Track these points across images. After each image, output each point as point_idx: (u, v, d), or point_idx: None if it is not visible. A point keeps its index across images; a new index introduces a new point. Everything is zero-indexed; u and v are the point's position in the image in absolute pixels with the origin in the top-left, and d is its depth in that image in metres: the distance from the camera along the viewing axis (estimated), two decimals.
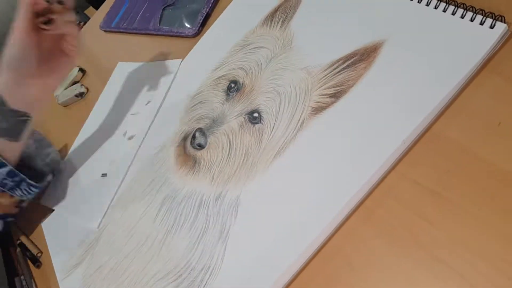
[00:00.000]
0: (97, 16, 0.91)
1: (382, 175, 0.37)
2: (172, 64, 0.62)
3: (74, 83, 0.79)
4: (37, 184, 0.55)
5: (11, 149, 0.52)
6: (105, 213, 0.53)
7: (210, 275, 0.40)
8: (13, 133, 0.51)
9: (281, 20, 0.52)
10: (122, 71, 0.70)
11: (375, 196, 0.37)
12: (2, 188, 0.51)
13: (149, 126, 0.57)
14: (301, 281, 0.37)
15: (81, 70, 0.79)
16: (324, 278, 0.36)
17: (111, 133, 0.62)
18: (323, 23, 0.48)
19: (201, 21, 0.63)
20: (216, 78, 0.53)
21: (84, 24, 0.97)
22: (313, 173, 0.39)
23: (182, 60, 0.61)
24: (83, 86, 0.76)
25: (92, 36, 0.86)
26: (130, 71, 0.69)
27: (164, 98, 0.59)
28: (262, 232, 0.39)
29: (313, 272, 0.36)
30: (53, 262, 0.55)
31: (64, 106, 0.77)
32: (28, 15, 0.48)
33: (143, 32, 0.72)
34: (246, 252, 0.39)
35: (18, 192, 0.53)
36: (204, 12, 0.64)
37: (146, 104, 0.60)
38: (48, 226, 0.60)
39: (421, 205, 0.34)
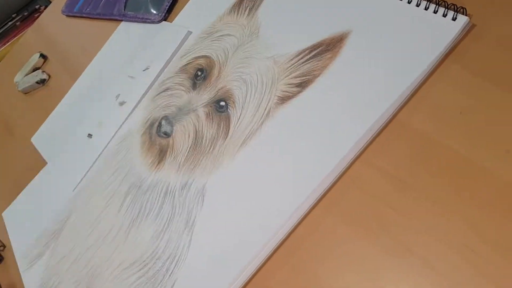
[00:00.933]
0: (59, 0, 0.88)
1: (347, 164, 0.37)
2: (179, 31, 0.58)
3: (35, 69, 0.76)
4: None
5: None
6: (83, 177, 0.53)
7: (176, 264, 0.40)
8: None
9: (248, 8, 0.51)
10: (125, 30, 0.68)
11: (340, 186, 0.37)
12: None
13: (142, 95, 0.55)
14: (267, 271, 0.37)
15: (42, 56, 0.77)
16: (289, 268, 0.36)
17: (103, 93, 0.60)
18: (290, 12, 0.48)
19: (167, 7, 0.62)
20: (183, 66, 0.52)
21: (45, 8, 0.94)
22: (278, 163, 0.39)
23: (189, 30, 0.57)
24: (44, 73, 0.73)
25: (54, 21, 0.83)
26: (133, 31, 0.66)
27: (162, 69, 0.56)
28: (227, 222, 0.39)
29: (279, 262, 0.37)
30: (14, 253, 0.53)
31: (25, 93, 0.75)
32: None
33: (107, 17, 0.70)
34: (212, 241, 0.39)
35: None
36: None
37: (144, 70, 0.58)
38: (9, 215, 0.58)
39: (386, 193, 0.35)
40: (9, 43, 1.13)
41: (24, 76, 0.75)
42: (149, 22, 0.63)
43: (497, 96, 0.34)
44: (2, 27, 1.17)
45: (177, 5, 0.63)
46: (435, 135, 0.35)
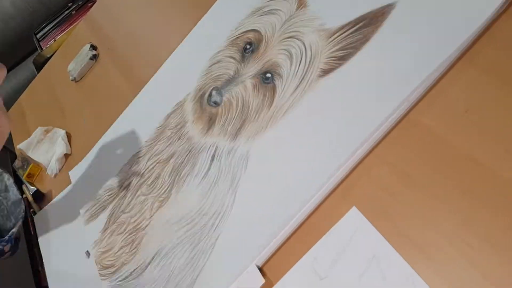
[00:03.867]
0: None
1: (370, 146, 0.39)
2: None
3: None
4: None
5: None
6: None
7: (220, 220, 0.44)
8: None
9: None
10: None
11: (354, 175, 0.40)
12: None
13: None
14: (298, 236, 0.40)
15: (92, 46, 0.81)
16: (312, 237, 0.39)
17: None
18: None
19: None
20: (233, 39, 0.56)
21: None
22: (315, 133, 0.42)
23: None
24: (92, 49, 0.79)
25: (105, 12, 0.88)
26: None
27: None
28: (268, 184, 0.43)
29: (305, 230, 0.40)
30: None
31: (80, 78, 0.80)
32: None
33: None
34: (253, 201, 0.43)
35: None
36: None
37: None
38: (75, 174, 0.65)
39: (392, 184, 0.37)
40: (65, 31, 1.19)
41: (74, 64, 0.81)
42: None
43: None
44: (59, 16, 1.24)
45: None
46: (442, 133, 0.37)
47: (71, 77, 0.81)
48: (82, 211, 0.58)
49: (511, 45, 0.37)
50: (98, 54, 0.80)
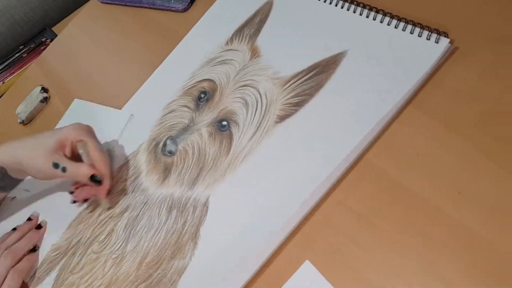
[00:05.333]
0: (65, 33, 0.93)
1: (327, 188, 0.39)
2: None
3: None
4: None
5: None
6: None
7: (179, 275, 0.42)
8: (7, 189, 0.56)
9: (248, 35, 0.55)
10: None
11: (313, 221, 0.39)
12: None
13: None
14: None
15: (44, 89, 0.78)
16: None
17: None
18: (289, 37, 0.51)
19: None
20: (187, 89, 0.56)
21: (51, 41, 0.97)
22: (273, 179, 0.42)
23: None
24: (43, 92, 0.76)
25: (58, 55, 0.87)
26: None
27: None
28: (228, 234, 0.41)
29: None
30: None
31: (28, 121, 0.77)
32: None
33: (137, 5, 0.76)
34: (213, 252, 0.41)
35: None
36: None
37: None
38: None
39: (354, 231, 0.37)
40: (14, 74, 1.16)
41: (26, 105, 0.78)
42: (174, 11, 0.69)
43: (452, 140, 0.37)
44: (9, 58, 1.21)
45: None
46: (396, 175, 0.38)
47: (19, 120, 0.77)
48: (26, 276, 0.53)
49: (454, 91, 0.39)
50: (49, 96, 0.77)
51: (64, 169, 0.49)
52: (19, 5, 1.27)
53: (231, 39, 0.57)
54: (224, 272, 0.40)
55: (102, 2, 0.86)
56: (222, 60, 0.55)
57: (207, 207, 0.44)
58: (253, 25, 0.56)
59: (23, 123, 0.76)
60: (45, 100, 0.76)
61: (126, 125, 0.59)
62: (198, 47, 0.60)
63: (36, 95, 0.77)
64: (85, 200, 0.54)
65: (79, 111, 0.69)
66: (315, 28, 0.50)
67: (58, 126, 0.69)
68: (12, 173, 0.53)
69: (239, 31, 0.57)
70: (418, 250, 0.34)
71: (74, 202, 0.54)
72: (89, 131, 0.53)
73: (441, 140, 0.37)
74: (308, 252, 0.38)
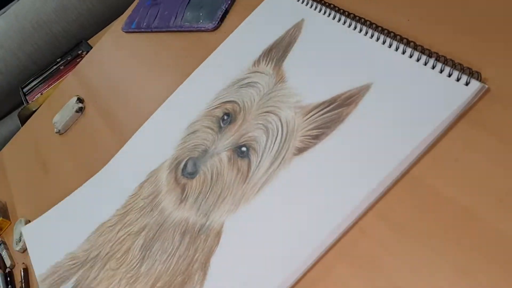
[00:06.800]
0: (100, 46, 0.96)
1: (356, 217, 0.38)
2: None
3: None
4: None
5: None
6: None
7: None
8: None
9: (275, 59, 0.54)
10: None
11: (351, 235, 0.38)
12: None
13: None
14: None
15: (79, 99, 0.80)
16: None
17: None
18: (315, 64, 0.50)
19: (220, 15, 0.67)
20: (211, 109, 0.55)
21: (86, 54, 1.00)
22: (291, 212, 0.41)
23: None
24: (79, 102, 0.79)
25: (93, 66, 0.89)
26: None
27: None
28: (241, 266, 0.41)
29: None
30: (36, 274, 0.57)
31: (64, 131, 0.80)
32: None
33: (164, 30, 0.76)
34: (224, 282, 0.41)
35: None
36: (223, 8, 0.68)
37: None
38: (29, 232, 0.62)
39: (394, 245, 0.35)
40: (52, 86, 1.20)
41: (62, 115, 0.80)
42: (203, 31, 0.69)
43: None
44: (47, 70, 1.27)
45: (228, 15, 0.68)
46: (443, 190, 0.36)
47: (55, 130, 0.80)
48: (38, 275, 0.55)
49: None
50: (85, 107, 0.80)
51: None
52: (57, 19, 1.32)
53: (258, 60, 0.56)
54: None
55: (126, 32, 0.87)
56: (248, 83, 0.54)
57: (219, 237, 0.44)
58: (281, 47, 0.54)
59: (59, 132, 0.79)
60: (80, 110, 0.79)
61: None
62: (225, 66, 0.59)
63: (72, 105, 0.80)
64: None
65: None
66: (342, 56, 0.48)
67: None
68: None
69: (267, 53, 0.56)
70: (455, 260, 0.32)
71: None
72: None
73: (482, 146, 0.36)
74: (347, 266, 0.37)
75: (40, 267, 0.56)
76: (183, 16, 0.74)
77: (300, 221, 0.40)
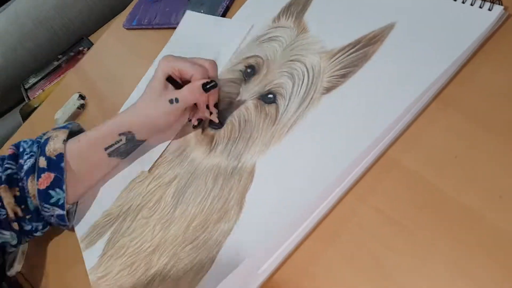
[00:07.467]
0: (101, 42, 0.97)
1: (369, 158, 0.39)
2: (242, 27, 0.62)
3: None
4: (65, 223, 0.56)
5: (111, 165, 0.59)
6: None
7: (225, 237, 0.43)
8: (124, 154, 0.58)
9: (295, 12, 0.55)
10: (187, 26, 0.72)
11: (336, 219, 0.39)
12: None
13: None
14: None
15: (81, 96, 0.81)
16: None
17: None
18: (336, 12, 0.52)
19: (221, 12, 0.67)
20: (233, 65, 0.57)
21: (87, 50, 1.01)
22: (316, 147, 0.43)
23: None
24: (80, 99, 0.80)
25: (94, 63, 0.90)
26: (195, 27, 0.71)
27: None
28: (273, 196, 0.42)
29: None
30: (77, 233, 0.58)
31: None
32: (185, 109, 0.53)
33: (166, 26, 0.77)
34: (259, 214, 0.42)
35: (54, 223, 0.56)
36: (224, 4, 0.68)
37: None
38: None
39: (382, 232, 0.36)
40: (54, 82, 1.21)
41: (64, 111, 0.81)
42: None
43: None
44: (49, 67, 1.27)
45: (229, 12, 0.68)
46: (429, 177, 0.36)
47: (57, 126, 0.81)
48: (79, 237, 0.56)
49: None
50: (86, 103, 0.81)
51: (177, 100, 0.51)
52: (58, 16, 1.33)
53: (278, 17, 0.57)
54: (268, 237, 0.40)
55: (127, 29, 0.88)
56: (269, 37, 0.56)
57: (253, 175, 0.45)
58: (301, 2, 0.56)
59: None
60: (82, 106, 0.80)
61: (245, 36, 0.60)
62: (245, 24, 0.61)
63: (73, 101, 0.81)
64: (199, 121, 0.55)
65: (192, 24, 0.71)
66: (361, 2, 0.50)
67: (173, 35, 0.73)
68: (138, 134, 0.55)
69: (287, 9, 0.57)
70: (452, 257, 0.32)
71: (194, 126, 0.55)
72: (178, 57, 0.53)
73: (480, 141, 0.36)
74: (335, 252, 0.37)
75: (81, 229, 0.57)
76: (184, 13, 0.75)
77: (327, 153, 0.42)
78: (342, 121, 0.43)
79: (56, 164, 0.53)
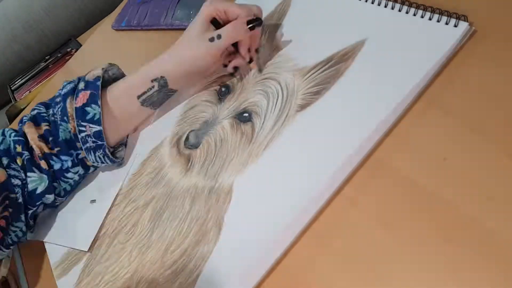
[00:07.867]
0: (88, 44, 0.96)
1: (347, 173, 0.39)
2: None
3: None
4: (112, 158, 0.56)
5: (143, 116, 0.59)
6: (95, 237, 0.53)
7: (205, 260, 0.42)
8: (157, 105, 0.59)
9: (268, 32, 0.56)
10: None
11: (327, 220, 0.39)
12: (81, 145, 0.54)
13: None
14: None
15: None
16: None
17: None
18: (308, 30, 0.52)
19: None
20: (208, 84, 0.57)
21: (75, 51, 1.00)
22: (294, 163, 0.43)
23: None
24: None
25: (82, 64, 0.89)
26: None
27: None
28: (251, 216, 0.42)
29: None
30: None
31: None
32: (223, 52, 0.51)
33: (155, 28, 0.77)
34: (238, 235, 0.42)
35: (91, 157, 0.55)
36: None
37: None
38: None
39: (373, 233, 0.36)
40: (41, 83, 1.19)
41: None
42: None
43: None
44: (36, 68, 1.25)
45: None
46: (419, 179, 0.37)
47: None
48: (52, 264, 0.54)
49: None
50: None
51: (219, 36, 0.49)
52: (47, 18, 1.31)
53: None
54: (249, 257, 0.40)
55: (116, 30, 0.88)
56: None
57: (231, 195, 0.45)
58: (273, 20, 0.57)
59: None
60: None
61: None
62: None
63: None
64: (236, 69, 0.54)
65: None
66: (333, 19, 0.51)
67: None
68: (171, 81, 0.54)
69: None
70: (445, 256, 0.33)
71: (231, 74, 0.54)
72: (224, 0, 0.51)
73: (467, 142, 0.37)
74: (323, 249, 0.38)
75: (54, 256, 0.55)
76: (173, 14, 0.75)
77: (305, 169, 0.42)
78: (318, 138, 0.43)
79: (93, 83, 0.54)
